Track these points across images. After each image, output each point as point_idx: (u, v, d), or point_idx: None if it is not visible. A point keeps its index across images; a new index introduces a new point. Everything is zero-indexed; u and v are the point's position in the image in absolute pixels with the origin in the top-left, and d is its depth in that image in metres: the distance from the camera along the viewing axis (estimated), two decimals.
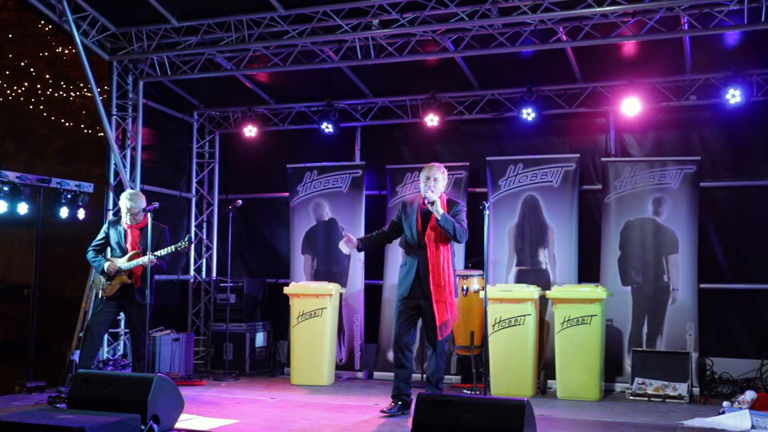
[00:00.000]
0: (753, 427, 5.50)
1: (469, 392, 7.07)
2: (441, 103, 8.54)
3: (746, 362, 7.46)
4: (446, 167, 8.35)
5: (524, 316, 7.12)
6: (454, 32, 7.53)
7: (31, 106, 12.45)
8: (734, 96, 7.39)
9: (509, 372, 7.10)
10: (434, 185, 6.09)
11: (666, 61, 7.75)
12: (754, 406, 5.78)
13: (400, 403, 6.12)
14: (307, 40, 7.75)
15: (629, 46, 7.55)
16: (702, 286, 7.56)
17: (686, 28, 6.97)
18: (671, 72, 7.88)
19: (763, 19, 6.63)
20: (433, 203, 5.96)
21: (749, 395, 5.95)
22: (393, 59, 7.81)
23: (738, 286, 7.77)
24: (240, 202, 8.36)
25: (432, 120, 8.46)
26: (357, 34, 7.56)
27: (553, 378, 7.17)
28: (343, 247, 6.38)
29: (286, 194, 9.15)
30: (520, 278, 7.90)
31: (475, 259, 7.94)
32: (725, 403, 6.11)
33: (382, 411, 6.11)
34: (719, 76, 7.67)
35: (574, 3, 6.83)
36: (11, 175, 7.20)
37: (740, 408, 5.83)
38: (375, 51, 7.81)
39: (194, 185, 9.75)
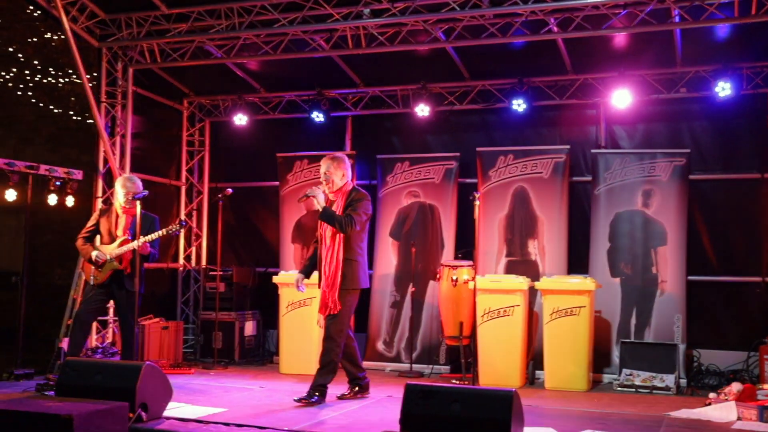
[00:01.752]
0: (738, 418, 5.55)
1: (457, 382, 7.09)
2: (432, 93, 8.53)
3: (733, 354, 7.52)
4: (436, 157, 8.50)
5: (513, 306, 7.14)
6: (446, 22, 7.52)
7: (19, 92, 12.31)
8: (724, 89, 7.41)
9: (498, 362, 7.12)
10: (326, 177, 6.15)
11: (656, 53, 7.76)
12: (740, 398, 5.81)
13: (357, 387, 6.29)
14: (297, 29, 7.71)
15: (620, 38, 7.55)
16: (690, 278, 7.59)
17: (677, 20, 6.98)
18: (662, 64, 7.89)
19: (753, 12, 6.64)
20: (314, 197, 6.03)
21: (735, 387, 5.97)
22: (384, 49, 7.79)
23: (726, 278, 7.81)
24: (230, 190, 8.32)
25: (423, 110, 8.45)
26: (348, 23, 7.52)
27: (542, 368, 7.19)
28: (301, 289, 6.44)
29: (276, 183, 9.13)
30: (510, 269, 7.91)
31: (465, 249, 7.96)
32: (711, 395, 6.14)
33: (338, 397, 6.23)
34: (709, 68, 7.69)
35: None
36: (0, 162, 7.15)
37: (726, 400, 5.86)
38: (366, 40, 7.78)
39: (184, 173, 9.71)
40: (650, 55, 7.80)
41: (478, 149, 8.35)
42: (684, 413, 5.83)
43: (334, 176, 6.16)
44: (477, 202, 6.60)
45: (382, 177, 8.65)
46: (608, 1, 6.80)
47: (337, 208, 6.10)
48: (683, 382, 7.15)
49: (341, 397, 6.22)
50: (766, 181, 7.68)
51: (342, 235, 6.04)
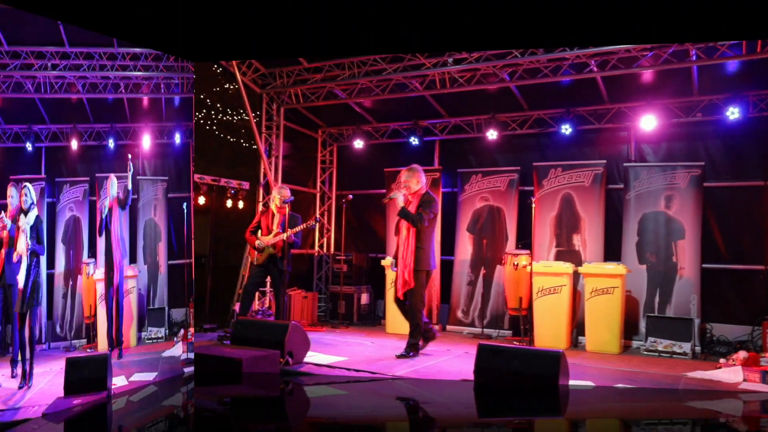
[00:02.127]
0: (744, 380, 5.16)
1: (517, 343, 6.94)
2: (499, 121, 8.33)
3: (740, 328, 6.95)
4: (502, 171, 8.31)
5: (561, 286, 6.90)
6: (510, 66, 7.32)
7: (207, 127, 13.00)
8: (734, 113, 6.86)
9: (549, 329, 6.90)
10: (405, 184, 6.03)
11: (677, 85, 7.25)
12: (745, 364, 5.40)
13: (426, 338, 6.05)
14: (399, 75, 7.75)
15: (647, 74, 7.11)
16: (704, 266, 7.07)
17: (694, 58, 6.53)
18: (681, 94, 7.36)
19: (758, 50, 6.14)
20: (396, 198, 5.94)
21: (742, 354, 5.56)
22: (463, 88, 7.68)
23: (734, 266, 7.21)
24: (351, 196, 8.35)
25: (492, 134, 8.27)
26: (436, 70, 7.47)
27: (583, 335, 6.91)
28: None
29: (384, 191, 9.17)
30: (558, 257, 7.62)
31: (524, 241, 7.76)
32: (721, 360, 5.74)
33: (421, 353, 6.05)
34: (721, 96, 7.12)
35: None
36: (194, 177, 7.55)
37: (734, 365, 5.46)
38: (450, 82, 7.71)
39: (318, 184, 9.91)
40: (672, 87, 7.30)
41: (534, 164, 8.07)
42: (698, 374, 5.49)
43: (411, 182, 6.06)
44: (533, 205, 6.42)
45: (461, 186, 8.54)
46: (637, 45, 6.44)
47: (412, 208, 6.02)
48: (698, 349, 6.68)
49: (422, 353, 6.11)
50: None
51: (415, 228, 5.96)
